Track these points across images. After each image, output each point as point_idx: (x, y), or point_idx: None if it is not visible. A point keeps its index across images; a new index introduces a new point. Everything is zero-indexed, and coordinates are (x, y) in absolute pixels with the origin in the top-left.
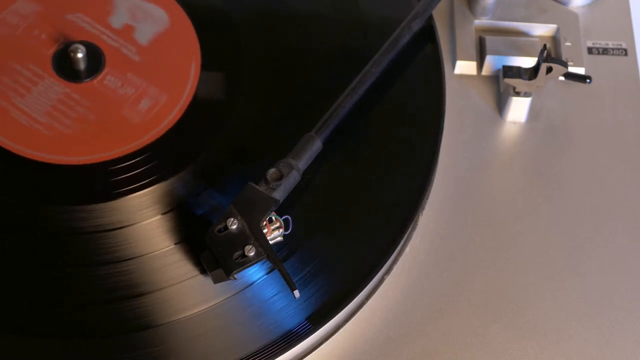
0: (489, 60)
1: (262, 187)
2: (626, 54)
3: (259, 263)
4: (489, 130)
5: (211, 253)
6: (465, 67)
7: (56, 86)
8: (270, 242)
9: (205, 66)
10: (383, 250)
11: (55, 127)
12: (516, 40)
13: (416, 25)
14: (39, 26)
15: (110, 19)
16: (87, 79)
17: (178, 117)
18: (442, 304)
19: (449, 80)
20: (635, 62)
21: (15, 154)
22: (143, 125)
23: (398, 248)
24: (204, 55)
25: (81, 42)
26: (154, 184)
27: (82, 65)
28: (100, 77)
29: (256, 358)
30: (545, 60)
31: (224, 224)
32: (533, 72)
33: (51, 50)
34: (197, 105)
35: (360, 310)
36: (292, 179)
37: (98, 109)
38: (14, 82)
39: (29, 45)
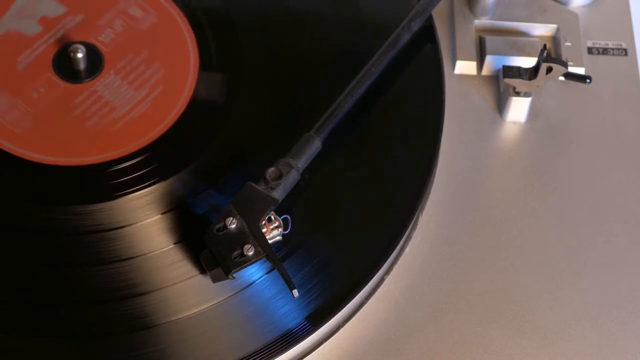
0: (489, 60)
1: (261, 187)
2: (626, 54)
3: (258, 262)
4: (489, 130)
5: (210, 252)
6: (465, 67)
7: (108, 79)
8: (270, 242)
9: (204, 67)
10: (383, 250)
11: (164, 90)
12: (516, 40)
13: (416, 25)
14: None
15: (25, 27)
16: (102, 64)
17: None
18: (442, 304)
19: (449, 80)
20: (635, 62)
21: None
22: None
23: (398, 248)
24: (203, 56)
25: (62, 51)
26: (154, 184)
27: (82, 65)
28: (106, 40)
29: (256, 358)
30: (545, 60)
31: (223, 223)
32: (533, 72)
33: (64, 84)
34: (196, 105)
35: (360, 310)
36: (292, 178)
37: (149, 47)
38: (94, 112)
39: (52, 96)
